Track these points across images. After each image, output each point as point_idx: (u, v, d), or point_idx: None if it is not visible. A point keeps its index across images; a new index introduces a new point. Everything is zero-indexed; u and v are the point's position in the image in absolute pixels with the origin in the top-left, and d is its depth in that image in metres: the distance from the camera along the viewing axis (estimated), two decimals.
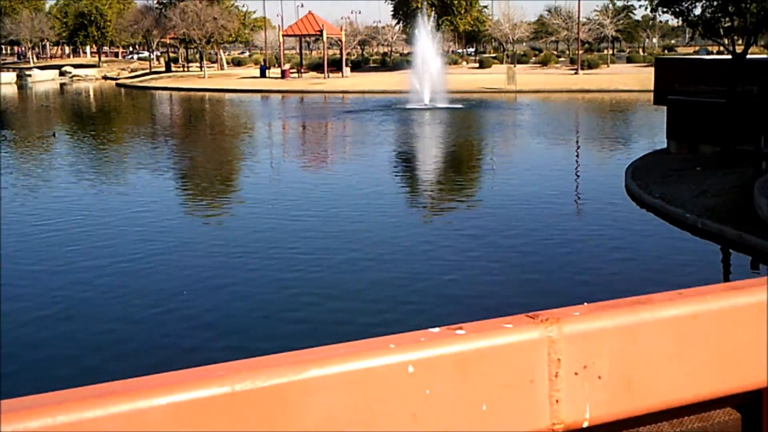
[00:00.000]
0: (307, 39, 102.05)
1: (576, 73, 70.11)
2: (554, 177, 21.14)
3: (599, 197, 18.40)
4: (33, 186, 21.17)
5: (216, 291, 11.54)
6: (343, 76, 73.56)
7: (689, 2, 22.25)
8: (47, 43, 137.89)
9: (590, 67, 75.22)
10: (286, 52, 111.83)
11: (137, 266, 12.79)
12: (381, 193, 19.17)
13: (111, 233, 15.05)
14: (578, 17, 77.97)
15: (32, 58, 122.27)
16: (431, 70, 46.19)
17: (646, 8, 23.84)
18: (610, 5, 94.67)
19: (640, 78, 58.24)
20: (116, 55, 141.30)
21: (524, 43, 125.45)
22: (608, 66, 79.46)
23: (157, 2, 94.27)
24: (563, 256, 13.11)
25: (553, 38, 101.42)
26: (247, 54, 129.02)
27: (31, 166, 25.31)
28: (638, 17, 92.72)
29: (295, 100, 57.26)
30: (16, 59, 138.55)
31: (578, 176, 22.01)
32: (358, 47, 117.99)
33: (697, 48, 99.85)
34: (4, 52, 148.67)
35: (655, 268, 12.39)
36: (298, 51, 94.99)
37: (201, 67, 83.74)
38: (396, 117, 39.49)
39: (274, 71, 78.60)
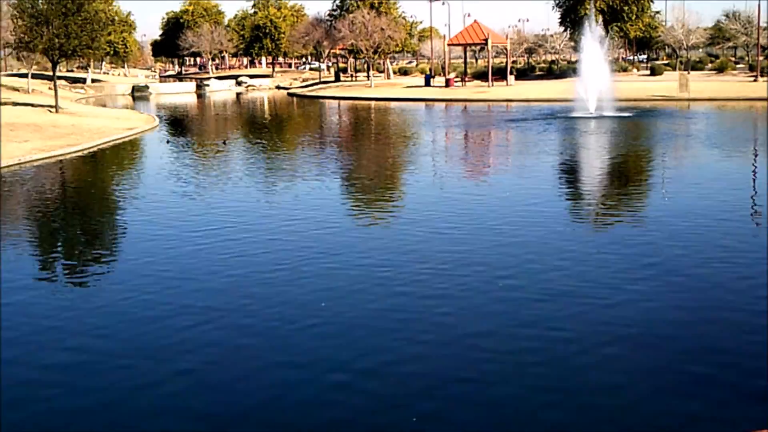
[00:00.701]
0: (473, 48, 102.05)
1: (755, 80, 66.40)
2: (725, 193, 20.01)
3: None
4: (201, 191, 22.12)
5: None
6: (507, 84, 73.03)
7: None
8: (226, 55, 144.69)
9: None
10: (452, 61, 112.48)
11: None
12: (539, 205, 18.81)
13: (264, 236, 15.56)
14: (758, 21, 73.75)
15: (211, 69, 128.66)
16: (598, 78, 45.01)
17: None
18: None
19: None
20: (289, 65, 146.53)
21: (699, 50, 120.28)
22: None
23: (328, 14, 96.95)
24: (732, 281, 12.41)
25: (731, 44, 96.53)
26: (414, 64, 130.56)
27: (199, 172, 26.43)
28: None
29: (459, 108, 57.29)
30: (197, 70, 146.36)
31: (755, 191, 20.72)
32: (525, 55, 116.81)
33: None
34: (186, 63, 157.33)
35: None
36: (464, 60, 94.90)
37: (368, 76, 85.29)
38: (560, 126, 38.75)
39: (439, 80, 79.02)
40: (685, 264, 13.13)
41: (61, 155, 30.37)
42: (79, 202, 21.80)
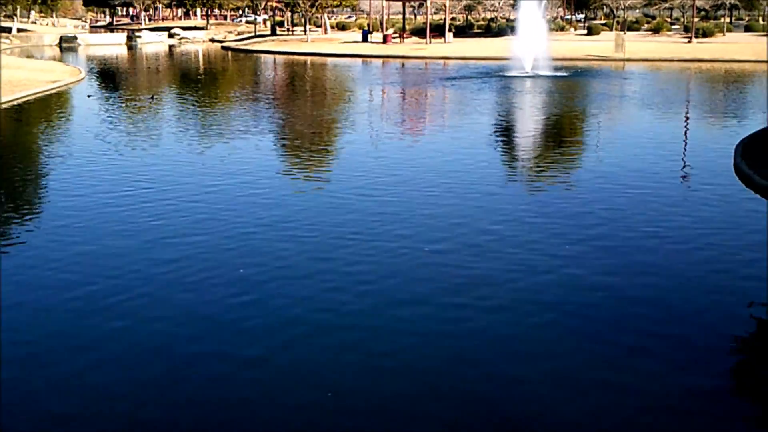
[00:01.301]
0: (412, 4, 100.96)
1: (689, 42, 67.02)
2: (658, 155, 19.94)
3: (705, 178, 17.18)
4: (134, 145, 21.22)
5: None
6: (445, 42, 72.35)
7: None
8: (159, 6, 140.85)
9: (705, 35, 71.78)
10: (392, 17, 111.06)
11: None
12: (470, 166, 18.45)
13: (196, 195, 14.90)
14: None
15: (144, 20, 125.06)
16: (534, 37, 44.72)
17: None
18: None
19: (758, 48, 55.36)
20: (225, 18, 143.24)
21: (637, 10, 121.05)
22: (724, 35, 75.70)
23: None
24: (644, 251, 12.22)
25: (668, 5, 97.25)
26: (353, 19, 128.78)
27: (121, 129, 25.41)
28: None
29: (395, 65, 56.58)
30: (129, 21, 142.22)
31: (685, 154, 20.68)
32: (465, 12, 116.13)
33: None
34: (118, 13, 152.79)
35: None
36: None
37: (305, 31, 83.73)
38: (496, 85, 38.45)
39: (377, 36, 77.97)
40: (616, 228, 12.90)
41: None
42: None
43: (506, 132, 25.22)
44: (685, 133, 24.50)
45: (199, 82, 45.55)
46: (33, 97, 34.30)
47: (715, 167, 18.04)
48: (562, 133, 24.98)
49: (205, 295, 10.09)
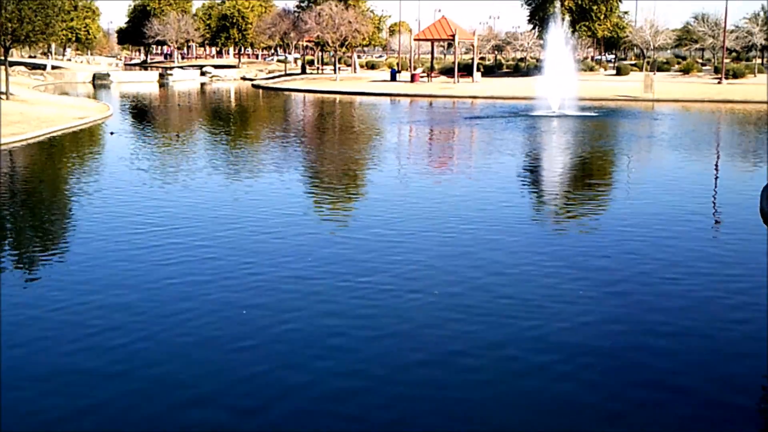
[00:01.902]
0: (442, 44, 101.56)
1: (719, 83, 66.51)
2: (684, 196, 19.55)
3: (731, 222, 16.76)
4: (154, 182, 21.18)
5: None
6: (473, 81, 72.44)
7: None
8: (193, 44, 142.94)
9: (735, 76, 71.21)
10: (422, 56, 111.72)
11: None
12: (492, 207, 18.18)
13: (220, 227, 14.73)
14: (724, 24, 73.89)
15: (177, 58, 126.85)
16: (561, 76, 44.56)
17: None
18: (762, 13, 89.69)
19: None
20: (257, 56, 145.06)
21: (667, 51, 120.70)
22: (755, 76, 75.04)
23: (296, 6, 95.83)
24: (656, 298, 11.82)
25: (698, 46, 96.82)
26: (383, 58, 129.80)
27: (144, 166, 25.44)
28: None
29: (423, 104, 56.63)
30: (162, 59, 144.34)
31: (713, 196, 20.27)
32: (494, 52, 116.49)
33: None
34: (153, 51, 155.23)
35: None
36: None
37: (335, 70, 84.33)
38: (521, 124, 38.22)
39: (405, 75, 78.30)
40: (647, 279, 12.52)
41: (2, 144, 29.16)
42: None
43: (529, 173, 24.93)
44: (715, 176, 24.06)
45: (228, 119, 45.83)
46: (60, 132, 34.63)
47: (741, 212, 17.57)
48: (584, 174, 24.63)
49: (204, 341, 9.86)
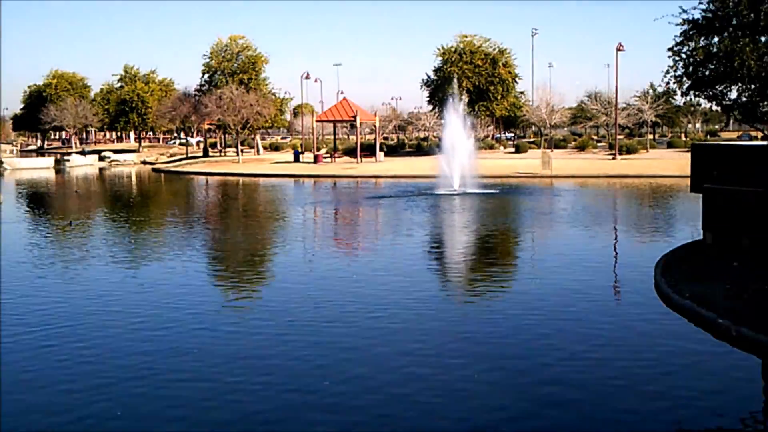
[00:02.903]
0: (345, 125, 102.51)
1: (614, 158, 68.70)
2: (581, 271, 19.53)
3: (626, 297, 16.74)
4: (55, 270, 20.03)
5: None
6: (376, 160, 72.96)
7: (723, 85, 20.74)
8: (92, 129, 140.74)
9: (629, 152, 73.83)
10: (326, 137, 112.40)
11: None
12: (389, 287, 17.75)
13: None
14: (615, 102, 76.82)
15: (75, 143, 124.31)
16: (461, 155, 45.09)
17: (676, 92, 22.47)
18: (650, 91, 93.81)
19: (680, 163, 56.61)
20: (159, 140, 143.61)
21: (564, 128, 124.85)
22: (647, 151, 77.99)
23: (196, 89, 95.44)
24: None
25: (592, 123, 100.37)
26: (288, 139, 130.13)
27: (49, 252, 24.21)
28: (680, 102, 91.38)
29: (328, 185, 56.48)
30: (60, 144, 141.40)
31: (609, 270, 20.36)
32: (397, 132, 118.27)
33: (740, 133, 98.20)
34: (51, 137, 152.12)
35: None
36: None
37: (237, 152, 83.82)
38: (423, 203, 38.24)
39: (308, 156, 78.40)
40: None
41: None
42: None
43: (431, 251, 24.72)
44: (612, 249, 24.32)
45: (122, 204, 44.53)
46: None
47: (637, 286, 17.58)
48: (482, 252, 24.55)
49: None
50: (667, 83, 22.61)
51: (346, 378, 11.34)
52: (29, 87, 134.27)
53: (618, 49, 69.59)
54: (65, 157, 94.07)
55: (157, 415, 10.11)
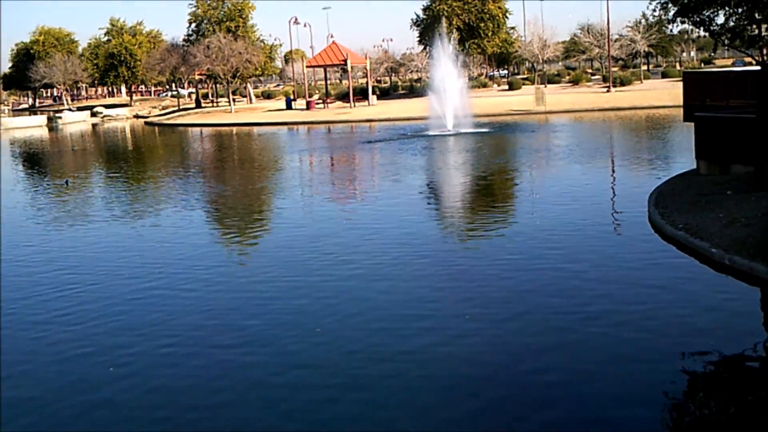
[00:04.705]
0: (337, 69, 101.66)
1: (608, 91, 68.29)
2: (575, 207, 19.58)
3: (621, 229, 16.84)
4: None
5: None
6: (369, 104, 72.59)
7: (711, 10, 20.50)
8: (82, 85, 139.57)
9: (623, 84, 73.36)
10: (318, 83, 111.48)
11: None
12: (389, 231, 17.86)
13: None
14: (608, 34, 76.10)
15: (67, 100, 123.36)
16: (452, 95, 44.83)
17: (661, 18, 22.19)
18: (643, 21, 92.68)
19: (674, 93, 56.34)
20: (150, 93, 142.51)
21: (558, 63, 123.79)
22: (641, 82, 77.49)
23: (183, 39, 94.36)
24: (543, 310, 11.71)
25: (586, 56, 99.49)
26: (281, 87, 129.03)
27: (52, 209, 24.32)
28: (673, 31, 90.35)
29: (322, 131, 56.27)
30: (52, 101, 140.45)
31: (603, 204, 20.44)
32: (390, 74, 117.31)
33: (734, 59, 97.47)
34: (43, 95, 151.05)
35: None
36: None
37: (229, 102, 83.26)
38: (417, 145, 38.15)
39: (301, 103, 77.96)
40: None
41: None
42: None
43: (428, 194, 24.81)
44: (608, 182, 24.37)
45: (121, 160, 44.43)
46: None
47: (632, 219, 17.62)
48: (475, 194, 24.60)
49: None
50: (654, 10, 22.40)
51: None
52: (16, 45, 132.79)
53: None
54: (57, 114, 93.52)
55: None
